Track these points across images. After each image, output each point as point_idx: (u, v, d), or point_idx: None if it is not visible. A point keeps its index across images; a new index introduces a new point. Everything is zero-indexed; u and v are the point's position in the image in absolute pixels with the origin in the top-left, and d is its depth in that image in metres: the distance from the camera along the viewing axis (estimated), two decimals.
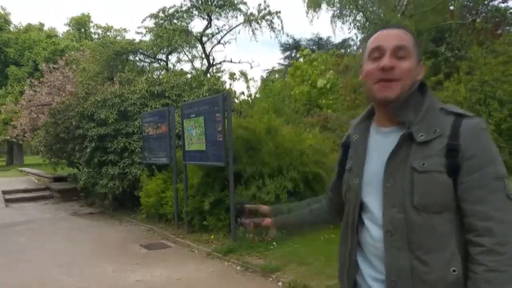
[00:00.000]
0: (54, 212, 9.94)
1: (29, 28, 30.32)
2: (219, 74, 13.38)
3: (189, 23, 12.43)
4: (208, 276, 4.88)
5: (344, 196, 1.34)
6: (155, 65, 13.20)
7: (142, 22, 12.69)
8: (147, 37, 13.17)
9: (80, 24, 33.75)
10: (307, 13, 16.20)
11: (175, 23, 12.30)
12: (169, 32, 11.83)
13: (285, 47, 31.65)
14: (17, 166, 24.92)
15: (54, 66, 16.15)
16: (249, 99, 11.94)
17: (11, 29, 30.15)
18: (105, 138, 8.87)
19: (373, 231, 1.21)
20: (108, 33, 33.12)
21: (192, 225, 6.83)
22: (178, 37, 11.61)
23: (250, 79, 12.05)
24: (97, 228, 7.94)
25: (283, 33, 12.32)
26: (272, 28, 12.28)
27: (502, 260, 1.04)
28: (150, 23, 12.68)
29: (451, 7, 15.18)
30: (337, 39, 38.31)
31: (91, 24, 34.40)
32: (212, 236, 6.29)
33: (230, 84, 12.40)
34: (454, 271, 1.09)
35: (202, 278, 4.83)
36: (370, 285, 1.23)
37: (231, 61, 13.03)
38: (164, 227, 7.37)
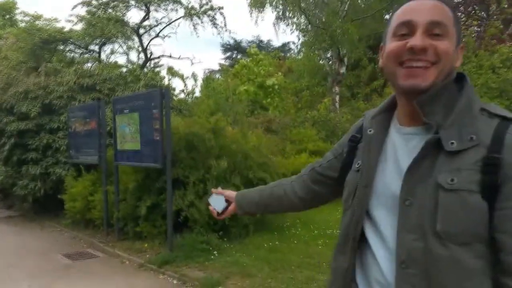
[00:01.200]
0: None
1: None
2: (158, 69, 12.67)
3: (125, 13, 11.64)
4: None
5: (346, 201, 1.07)
6: (87, 56, 12.17)
7: (72, 10, 11.54)
8: (79, 26, 12.11)
9: (5, 10, 30.80)
10: (250, 13, 15.98)
11: (109, 12, 11.43)
12: (103, 21, 10.93)
13: (226, 48, 31.36)
14: None
15: None
16: (188, 97, 11.41)
17: None
18: (26, 134, 7.92)
19: (381, 257, 0.95)
20: (37, 22, 30.54)
21: (124, 232, 6.22)
22: (113, 26, 10.77)
23: (187, 77, 11.51)
24: (14, 235, 7.01)
25: (225, 30, 11.88)
26: (214, 24, 11.84)
27: None
28: (82, 11, 11.67)
29: (387, 16, 15.84)
30: (280, 41, 38.80)
31: (18, 11, 31.56)
32: (146, 245, 5.74)
33: (169, 80, 11.71)
34: None
35: None
36: None
37: (170, 56, 12.32)
38: (91, 234, 6.66)
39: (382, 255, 0.94)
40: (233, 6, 22.34)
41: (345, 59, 14.79)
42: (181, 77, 11.57)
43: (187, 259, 5.03)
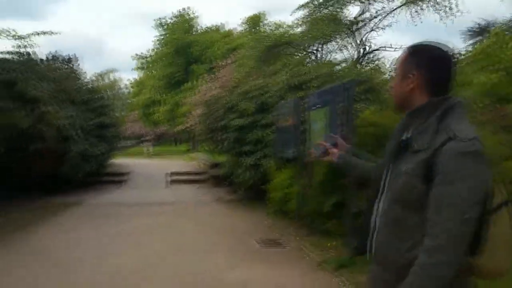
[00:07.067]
0: (201, 196, 10.64)
1: (209, 29, 33.93)
2: (376, 63, 12.18)
3: (341, 10, 11.66)
4: None
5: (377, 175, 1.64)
6: (304, 56, 12.85)
7: (291, 15, 12.35)
8: (300, 29, 12.92)
9: (255, 23, 35.99)
10: None
11: (325, 12, 11.70)
12: (318, 21, 11.29)
13: (472, 33, 27.37)
14: (198, 151, 28.07)
15: (223, 63, 17.58)
16: None
17: (198, 30, 34.21)
18: (243, 129, 8.98)
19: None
20: (279, 30, 34.33)
21: (313, 227, 6.26)
22: (328, 25, 10.98)
23: None
24: (228, 216, 8.10)
25: (457, 10, 10.18)
26: (437, 9, 10.49)
27: (431, 261, 1.28)
28: (301, 13, 12.35)
29: None
30: None
31: (265, 22, 36.24)
32: (329, 244, 5.60)
33: (389, 73, 11.05)
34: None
35: None
36: None
37: (385, 49, 11.62)
38: (286, 225, 6.99)
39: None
40: None
41: None
42: None
43: (365, 266, 4.62)
